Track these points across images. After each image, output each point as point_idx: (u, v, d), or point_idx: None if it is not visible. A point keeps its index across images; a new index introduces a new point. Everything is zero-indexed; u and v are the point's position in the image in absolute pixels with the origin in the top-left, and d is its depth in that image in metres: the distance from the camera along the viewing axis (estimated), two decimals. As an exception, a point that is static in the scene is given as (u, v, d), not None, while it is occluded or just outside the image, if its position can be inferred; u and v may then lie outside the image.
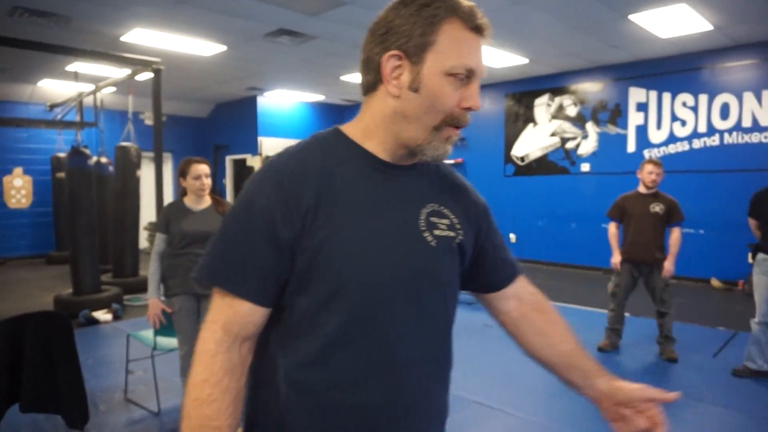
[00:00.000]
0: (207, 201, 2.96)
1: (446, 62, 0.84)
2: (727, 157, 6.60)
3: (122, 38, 6.00)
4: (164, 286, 2.91)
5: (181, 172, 2.91)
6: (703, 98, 6.75)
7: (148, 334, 3.23)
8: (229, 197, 10.62)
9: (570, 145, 8.02)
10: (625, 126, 7.46)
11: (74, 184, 5.47)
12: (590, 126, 7.79)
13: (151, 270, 2.88)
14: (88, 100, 7.80)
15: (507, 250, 1.11)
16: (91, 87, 7.15)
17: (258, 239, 0.82)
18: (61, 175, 8.83)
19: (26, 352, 2.51)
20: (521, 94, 8.47)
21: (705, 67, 6.72)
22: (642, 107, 7.29)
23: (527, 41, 6.27)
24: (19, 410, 2.50)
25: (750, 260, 4.15)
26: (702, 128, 6.79)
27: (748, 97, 6.41)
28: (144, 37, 5.94)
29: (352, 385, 0.85)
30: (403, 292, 0.87)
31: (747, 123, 6.44)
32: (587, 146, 7.84)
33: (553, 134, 8.18)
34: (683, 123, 6.94)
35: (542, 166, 8.31)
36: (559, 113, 8.11)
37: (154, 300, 2.86)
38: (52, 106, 8.76)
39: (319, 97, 10.36)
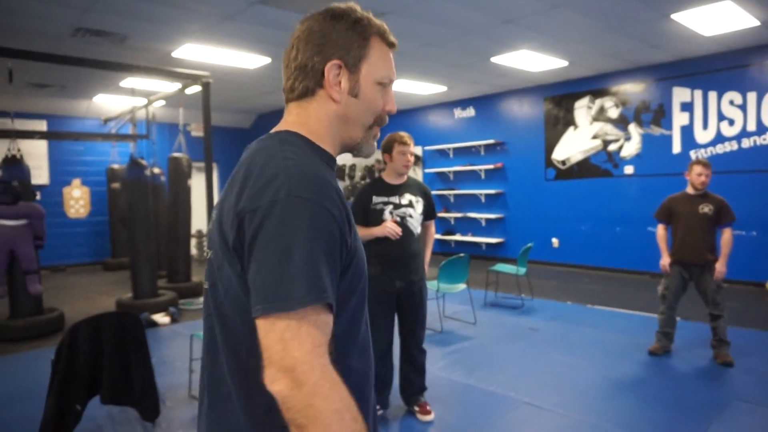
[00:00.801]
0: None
1: (377, 72, 0.98)
2: (779, 156, 6.41)
3: (173, 54, 6.30)
4: None
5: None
6: (752, 96, 6.58)
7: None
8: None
9: (612, 147, 7.92)
10: (669, 127, 7.33)
11: (133, 194, 5.77)
12: (633, 127, 7.69)
13: None
14: (140, 114, 8.20)
15: None
16: (142, 101, 7.52)
17: (337, 250, 0.84)
18: (116, 185, 9.30)
19: (104, 349, 2.70)
20: (561, 97, 8.42)
21: (753, 64, 6.55)
22: (687, 107, 7.15)
23: (566, 44, 6.27)
24: (100, 402, 2.70)
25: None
26: (751, 126, 6.61)
27: (801, 94, 6.21)
28: (193, 52, 6.23)
29: (365, 351, 0.99)
30: None
31: (800, 120, 6.24)
32: (630, 148, 7.73)
33: (594, 137, 8.10)
34: (731, 122, 6.78)
35: (584, 169, 8.23)
36: (600, 115, 8.03)
37: None
38: (107, 120, 9.22)
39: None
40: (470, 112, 9.61)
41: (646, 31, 5.84)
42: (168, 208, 7.04)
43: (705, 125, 7.01)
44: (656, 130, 7.47)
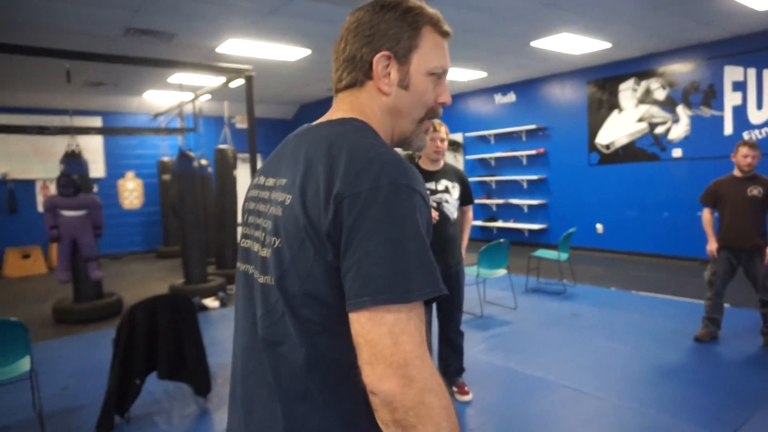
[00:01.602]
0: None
1: (429, 63, 0.95)
2: (841, 136, 6.07)
3: (217, 49, 6.52)
4: None
5: None
6: (812, 73, 6.24)
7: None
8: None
9: (659, 130, 7.68)
10: (720, 107, 7.05)
11: (182, 185, 6.04)
12: (681, 109, 7.42)
13: None
14: (187, 108, 8.52)
15: None
16: (189, 96, 7.81)
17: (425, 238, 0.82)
18: (166, 177, 9.71)
19: (160, 329, 2.90)
20: (604, 80, 8.20)
21: (813, 39, 6.21)
22: (739, 86, 6.85)
23: (610, 25, 6.11)
24: (157, 377, 2.91)
25: None
26: (810, 105, 6.28)
27: None
28: (236, 47, 6.42)
29: None
30: None
31: None
32: (678, 131, 7.48)
33: (640, 120, 7.87)
34: (788, 101, 6.46)
35: (629, 153, 8.01)
36: (646, 97, 7.79)
37: None
38: (156, 115, 9.61)
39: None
40: (511, 97, 9.49)
41: (694, 9, 5.62)
42: (215, 197, 7.32)
43: (759, 105, 6.70)
44: (706, 112, 7.19)
